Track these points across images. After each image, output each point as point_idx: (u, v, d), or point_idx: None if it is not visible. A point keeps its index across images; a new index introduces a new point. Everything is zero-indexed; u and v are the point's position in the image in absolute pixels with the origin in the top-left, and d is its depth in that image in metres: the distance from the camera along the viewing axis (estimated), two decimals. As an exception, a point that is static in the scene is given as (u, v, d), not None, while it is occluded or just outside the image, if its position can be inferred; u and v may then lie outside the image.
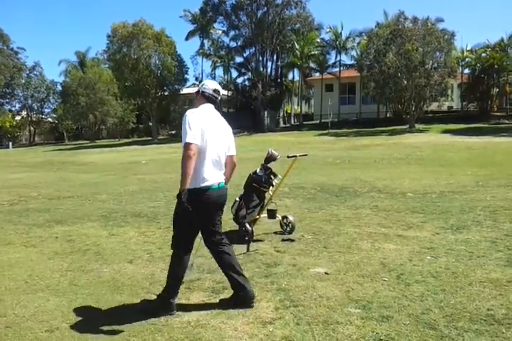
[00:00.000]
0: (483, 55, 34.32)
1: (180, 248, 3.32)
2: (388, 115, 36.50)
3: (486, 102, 34.62)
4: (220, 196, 3.31)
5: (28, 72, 51.08)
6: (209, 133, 3.19)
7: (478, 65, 34.45)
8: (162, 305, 3.27)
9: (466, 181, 9.50)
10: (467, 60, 35.92)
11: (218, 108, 3.50)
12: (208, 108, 3.35)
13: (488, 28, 76.95)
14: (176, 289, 3.33)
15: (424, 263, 4.16)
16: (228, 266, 3.37)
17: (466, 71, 36.52)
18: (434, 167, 12.60)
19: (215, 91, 3.40)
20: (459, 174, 10.76)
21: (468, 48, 36.22)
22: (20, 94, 50.69)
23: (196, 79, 45.87)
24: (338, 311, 3.16)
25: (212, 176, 3.23)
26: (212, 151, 3.22)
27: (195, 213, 3.14)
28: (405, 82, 28.74)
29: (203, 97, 3.39)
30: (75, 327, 3.07)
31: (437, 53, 29.44)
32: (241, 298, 3.31)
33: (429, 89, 28.81)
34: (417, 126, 29.25)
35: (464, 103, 36.48)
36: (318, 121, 37.54)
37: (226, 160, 3.41)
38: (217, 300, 3.43)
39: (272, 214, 5.43)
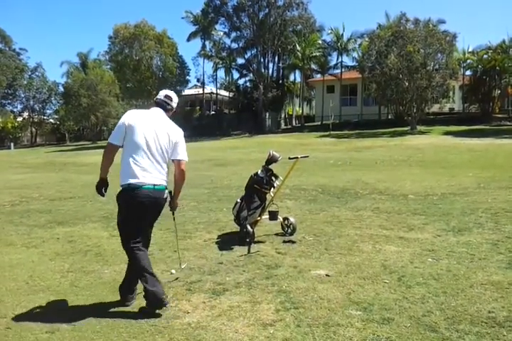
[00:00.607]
0: (485, 56, 34.24)
1: (128, 245, 3.37)
2: (389, 117, 36.38)
3: (487, 104, 34.52)
4: (153, 198, 3.33)
5: (30, 73, 51.40)
6: (137, 133, 3.33)
7: (480, 66, 34.37)
8: (151, 301, 3.26)
9: (467, 183, 9.48)
10: (469, 61, 35.84)
11: (171, 111, 3.64)
12: (152, 111, 3.55)
13: (490, 29, 76.91)
14: (153, 280, 3.28)
15: (425, 266, 4.15)
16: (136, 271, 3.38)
17: (468, 73, 36.44)
18: (435, 169, 12.58)
19: (166, 96, 3.63)
20: (460, 176, 10.74)
21: (470, 50, 36.16)
22: (22, 95, 50.98)
23: (198, 80, 45.98)
24: (338, 313, 3.16)
25: (144, 175, 3.29)
26: (141, 151, 3.32)
27: (128, 211, 3.35)
28: (407, 84, 28.69)
29: (154, 103, 3.65)
30: (76, 328, 3.07)
31: (439, 55, 29.39)
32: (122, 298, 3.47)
33: (431, 91, 28.75)
34: (419, 127, 29.21)
35: (466, 105, 36.39)
36: (319, 123, 37.50)
37: (174, 165, 3.49)
38: (218, 302, 3.44)
39: (273, 215, 5.42)
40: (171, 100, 3.63)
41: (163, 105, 3.59)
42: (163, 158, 3.41)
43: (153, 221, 3.53)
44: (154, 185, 3.31)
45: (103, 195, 3.58)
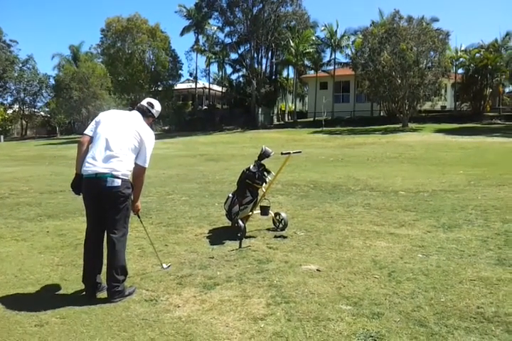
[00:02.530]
0: (477, 55, 34.48)
1: (86, 229, 3.58)
2: (382, 114, 36.55)
3: (479, 102, 34.80)
4: (95, 186, 3.34)
5: (20, 65, 50.64)
6: (102, 125, 3.46)
7: (472, 65, 34.62)
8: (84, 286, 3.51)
9: (458, 180, 9.55)
10: (461, 60, 36.08)
11: (150, 118, 3.74)
12: (129, 112, 3.69)
13: (483, 28, 77.36)
14: (85, 270, 3.51)
15: (415, 261, 4.18)
16: (108, 258, 3.52)
17: (460, 71, 36.71)
18: (426, 166, 12.66)
19: (148, 103, 3.76)
20: (451, 173, 10.82)
21: (463, 48, 36.40)
22: (13, 88, 50.32)
23: (190, 74, 45.72)
24: (329, 308, 3.17)
25: (92, 165, 3.33)
26: (99, 141, 3.39)
27: (83, 198, 3.50)
28: (399, 81, 28.83)
29: (136, 109, 3.72)
30: (65, 321, 3.05)
31: (431, 53, 29.55)
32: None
33: (423, 89, 28.92)
34: (410, 125, 29.39)
35: (458, 103, 36.67)
36: (312, 119, 37.56)
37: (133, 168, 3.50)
38: (208, 296, 3.44)
39: (264, 210, 5.41)
40: (153, 107, 3.72)
41: (144, 111, 3.67)
42: (125, 151, 3.38)
43: (111, 210, 3.38)
44: (96, 173, 3.31)
45: (78, 193, 3.53)
